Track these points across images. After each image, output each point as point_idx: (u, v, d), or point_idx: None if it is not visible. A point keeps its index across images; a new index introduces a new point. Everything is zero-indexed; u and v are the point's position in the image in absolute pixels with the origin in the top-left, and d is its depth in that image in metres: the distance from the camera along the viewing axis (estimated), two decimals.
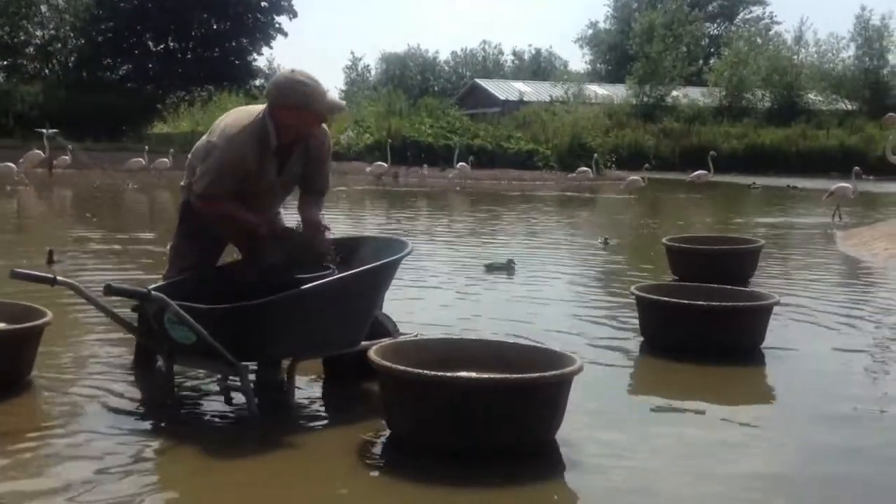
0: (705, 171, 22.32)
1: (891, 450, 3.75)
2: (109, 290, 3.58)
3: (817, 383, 4.73)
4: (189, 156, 4.34)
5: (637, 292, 5.43)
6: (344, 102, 4.09)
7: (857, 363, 5.20)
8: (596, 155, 25.10)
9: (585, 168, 23.44)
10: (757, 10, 59.58)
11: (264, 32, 40.39)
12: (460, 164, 23.11)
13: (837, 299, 7.39)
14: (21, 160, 18.56)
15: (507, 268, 8.16)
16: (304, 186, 4.30)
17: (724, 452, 3.64)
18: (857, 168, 15.98)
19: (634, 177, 20.98)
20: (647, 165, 24.72)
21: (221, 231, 4.27)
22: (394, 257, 4.17)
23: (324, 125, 4.19)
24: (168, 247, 4.55)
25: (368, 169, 23.16)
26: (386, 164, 23.13)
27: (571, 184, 23.63)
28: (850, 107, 44.06)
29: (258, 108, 4.10)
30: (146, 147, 22.05)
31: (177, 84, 36.26)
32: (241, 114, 4.15)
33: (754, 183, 25.44)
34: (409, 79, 63.43)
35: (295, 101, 3.93)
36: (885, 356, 5.57)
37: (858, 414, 4.19)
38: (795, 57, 46.71)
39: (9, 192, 17.11)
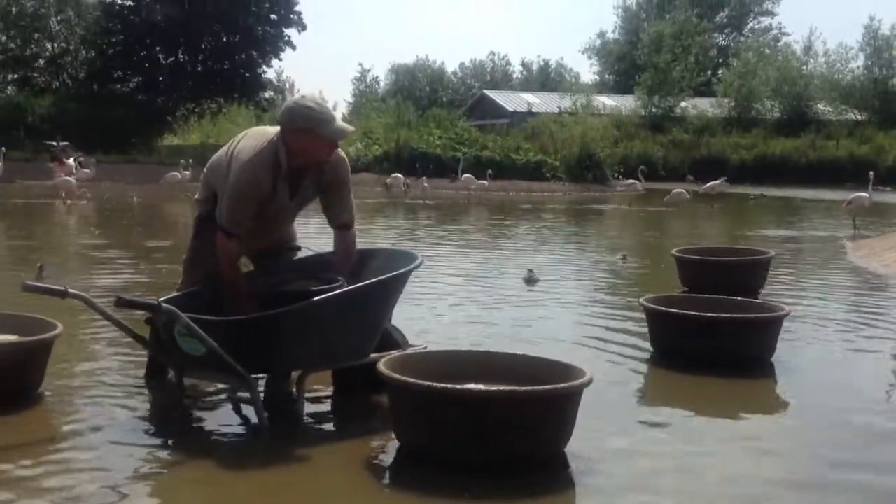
0: (634, 182, 22.34)
1: None
2: (120, 302, 3.59)
3: (828, 396, 4.70)
4: (204, 169, 4.39)
5: (646, 303, 5.42)
6: (352, 127, 4.09)
7: (869, 375, 5.18)
8: (642, 167, 24.66)
9: (632, 180, 23.21)
10: (765, 21, 59.64)
11: (273, 45, 40.61)
12: (465, 175, 23.22)
13: (848, 311, 7.36)
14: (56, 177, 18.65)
15: (533, 279, 8.19)
16: (329, 221, 4.32)
17: (735, 465, 3.62)
18: (871, 172, 15.84)
19: (679, 189, 20.24)
20: (689, 177, 24.29)
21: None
22: (404, 269, 4.17)
23: (340, 152, 4.18)
24: (182, 259, 4.56)
25: (388, 180, 23.12)
26: (402, 177, 23.12)
27: (581, 194, 23.62)
28: (859, 117, 43.98)
29: (273, 131, 4.12)
30: (182, 161, 21.04)
31: (187, 96, 36.46)
32: (254, 137, 4.16)
33: (752, 195, 25.29)
34: (417, 90, 63.60)
35: (302, 124, 3.94)
36: None
37: (870, 426, 4.16)
38: (804, 67, 46.67)
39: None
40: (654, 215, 19.22)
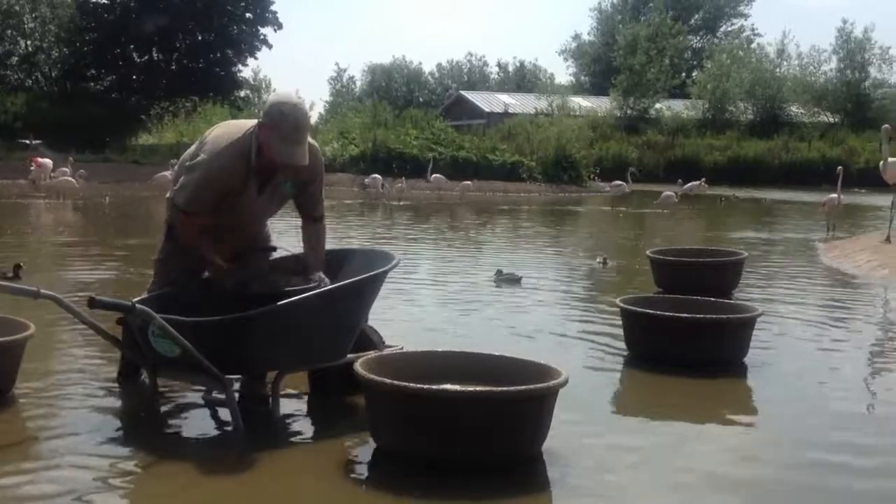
0: (622, 183, 22.41)
1: (877, 459, 3.77)
2: (93, 303, 3.56)
3: (800, 395, 4.75)
4: (174, 167, 4.32)
5: (621, 304, 5.45)
6: (303, 161, 3.93)
7: (841, 375, 5.23)
8: (632, 168, 24.48)
9: (620, 182, 23.13)
10: (738, 23, 60.11)
11: (249, 44, 40.44)
12: (434, 175, 23.29)
13: (820, 312, 7.44)
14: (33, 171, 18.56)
15: (510, 279, 8.20)
16: (303, 214, 4.29)
17: (708, 465, 3.64)
18: (839, 168, 15.28)
19: (668, 192, 20.35)
20: (632, 170, 24.37)
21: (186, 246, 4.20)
22: (380, 270, 4.17)
23: (313, 143, 4.11)
24: (153, 259, 4.50)
25: (367, 181, 23.03)
26: (380, 177, 23.00)
27: (557, 195, 23.62)
28: (832, 119, 44.48)
29: (249, 123, 4.06)
30: (172, 161, 20.62)
31: (161, 95, 36.18)
32: (230, 127, 4.12)
33: (722, 197, 25.43)
34: (394, 90, 63.59)
35: (269, 119, 3.88)
36: (868, 368, 5.61)
37: (843, 425, 4.21)
38: (778, 70, 47.14)
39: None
40: (633, 216, 19.33)
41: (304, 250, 4.30)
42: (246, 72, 42.54)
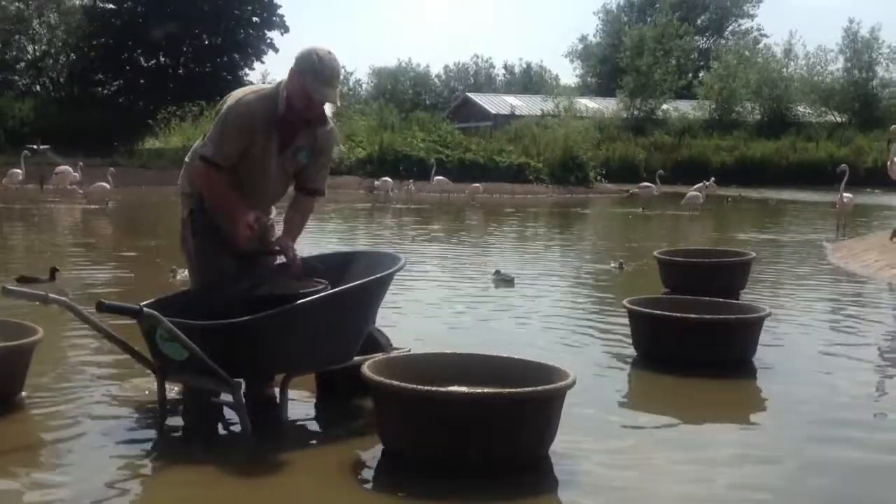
0: (651, 185, 22.17)
1: (885, 458, 3.75)
2: (101, 307, 3.57)
3: (809, 396, 4.72)
4: (186, 159, 4.31)
5: (629, 305, 5.45)
6: (337, 102, 4.06)
7: (850, 376, 5.21)
8: (660, 171, 23.87)
9: (649, 184, 22.79)
10: (745, 23, 60.06)
11: (256, 48, 40.51)
12: (437, 178, 23.30)
13: (828, 312, 7.42)
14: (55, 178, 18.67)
15: (506, 280, 8.21)
16: (300, 184, 4.29)
17: (717, 465, 3.64)
18: (842, 166, 14.94)
19: (694, 192, 20.07)
20: (711, 180, 23.21)
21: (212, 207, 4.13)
22: (387, 272, 4.17)
23: (332, 123, 4.18)
24: (187, 262, 4.41)
25: (377, 183, 23.03)
26: (390, 180, 22.98)
27: (565, 196, 23.48)
28: (839, 119, 44.36)
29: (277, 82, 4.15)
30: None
31: (168, 99, 36.26)
32: (255, 86, 4.25)
33: (729, 197, 25.26)
34: (400, 93, 63.61)
35: (300, 66, 3.94)
36: (877, 370, 5.58)
37: (851, 427, 4.19)
38: (785, 70, 47.04)
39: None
40: (640, 217, 19.30)
41: (286, 216, 4.29)
42: (253, 75, 42.55)
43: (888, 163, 11.91)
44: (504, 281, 8.22)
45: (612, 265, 9.69)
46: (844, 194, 14.82)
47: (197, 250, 4.22)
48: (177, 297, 4.16)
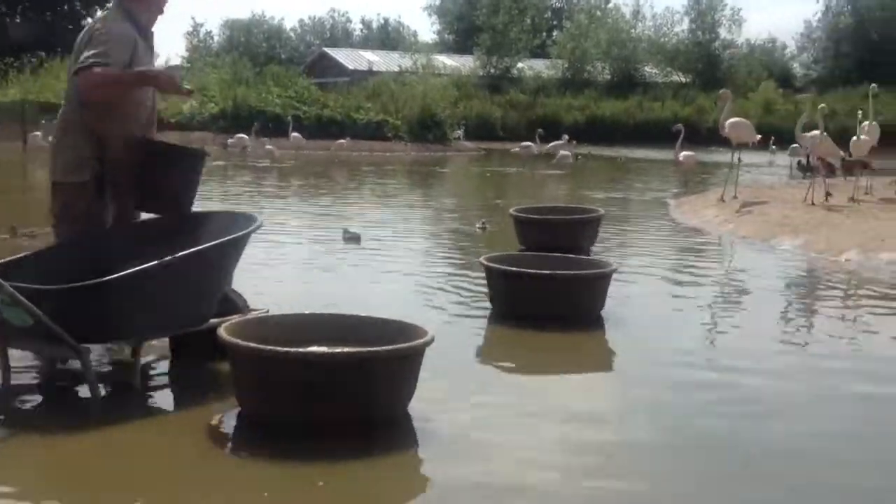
0: (530, 144, 22.48)
1: (730, 407, 3.97)
2: None
3: (655, 345, 5.01)
4: (51, 138, 4.28)
5: (484, 262, 5.57)
6: None
7: (693, 325, 5.57)
8: (540, 130, 24.15)
9: (528, 143, 22.79)
10: None
11: None
12: (294, 134, 23.09)
13: (672, 265, 7.83)
14: None
15: (354, 237, 8.24)
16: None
17: (569, 419, 3.78)
18: (677, 125, 14.99)
19: (564, 152, 20.34)
20: (565, 138, 23.41)
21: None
22: (242, 232, 4.11)
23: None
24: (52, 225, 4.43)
25: (231, 141, 22.38)
26: (247, 137, 22.40)
27: (423, 154, 23.58)
28: (683, 79, 46.19)
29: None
30: (42, 121, 18.94)
31: (4, 50, 34.02)
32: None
33: (578, 155, 25.83)
34: (254, 47, 61.76)
35: None
36: (718, 317, 5.97)
37: (689, 374, 4.47)
38: (633, 30, 48.50)
39: None
40: (497, 175, 19.62)
41: None
42: None
43: (720, 122, 12.55)
44: (352, 239, 8.24)
45: (477, 226, 9.76)
46: (685, 152, 15.19)
47: (87, 216, 4.26)
48: (28, 258, 3.99)
